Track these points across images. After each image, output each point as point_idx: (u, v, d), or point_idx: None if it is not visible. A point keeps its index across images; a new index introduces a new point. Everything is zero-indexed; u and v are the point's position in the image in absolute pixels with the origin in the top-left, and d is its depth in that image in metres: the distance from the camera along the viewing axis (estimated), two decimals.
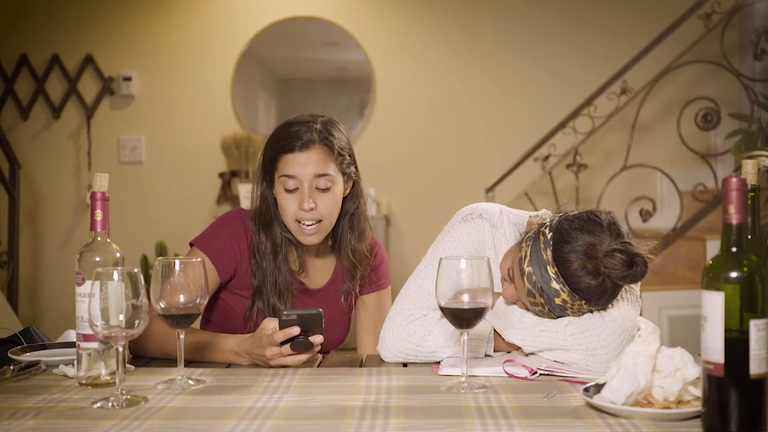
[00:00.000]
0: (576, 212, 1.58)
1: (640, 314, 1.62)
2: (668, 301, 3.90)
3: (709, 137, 4.67)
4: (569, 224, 1.54)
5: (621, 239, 1.53)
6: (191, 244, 1.87)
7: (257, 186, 1.89)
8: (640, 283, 1.66)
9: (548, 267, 1.53)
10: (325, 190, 1.82)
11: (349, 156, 1.88)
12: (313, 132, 1.82)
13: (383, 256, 2.01)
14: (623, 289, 1.59)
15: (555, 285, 1.52)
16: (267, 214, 1.88)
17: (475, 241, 1.74)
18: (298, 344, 1.56)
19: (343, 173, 1.86)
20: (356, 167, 1.90)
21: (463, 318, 1.38)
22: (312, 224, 1.82)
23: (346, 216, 1.91)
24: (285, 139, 1.82)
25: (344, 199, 1.89)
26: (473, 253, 1.72)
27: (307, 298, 1.93)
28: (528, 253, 1.56)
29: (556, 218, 1.58)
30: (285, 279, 1.86)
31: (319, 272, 1.95)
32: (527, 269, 1.55)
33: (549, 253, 1.53)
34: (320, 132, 1.82)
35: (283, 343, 1.56)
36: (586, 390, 1.29)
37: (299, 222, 1.82)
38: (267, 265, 1.85)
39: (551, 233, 1.55)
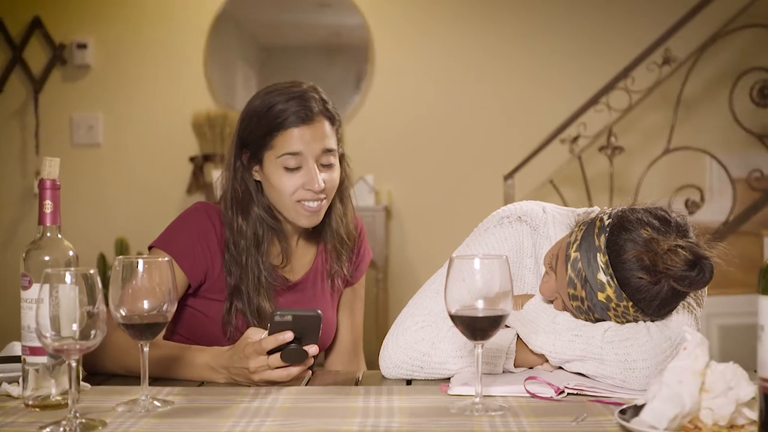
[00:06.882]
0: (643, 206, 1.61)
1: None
2: (718, 308, 3.90)
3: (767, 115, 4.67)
4: (632, 213, 1.57)
5: (688, 240, 1.54)
6: (151, 248, 1.88)
7: (231, 168, 1.91)
8: (705, 297, 1.66)
9: (598, 255, 1.53)
10: (330, 166, 1.88)
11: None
12: (314, 101, 1.86)
13: (365, 235, 2.10)
14: (681, 304, 1.59)
15: (602, 277, 1.53)
16: (245, 199, 1.89)
17: (512, 248, 1.73)
18: (289, 353, 1.54)
19: (338, 146, 1.92)
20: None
21: (477, 328, 1.38)
22: (316, 203, 1.86)
23: (336, 192, 1.96)
24: (281, 112, 1.84)
25: None
26: None
27: (288, 291, 1.95)
28: (578, 238, 1.58)
29: (618, 208, 1.61)
30: (269, 275, 1.89)
31: (301, 262, 2.00)
32: (574, 254, 1.56)
33: (603, 239, 1.54)
34: (320, 101, 1.87)
35: (270, 352, 1.55)
36: (622, 412, 1.29)
37: (301, 202, 1.85)
38: (247, 259, 1.87)
39: (609, 219, 1.57)
